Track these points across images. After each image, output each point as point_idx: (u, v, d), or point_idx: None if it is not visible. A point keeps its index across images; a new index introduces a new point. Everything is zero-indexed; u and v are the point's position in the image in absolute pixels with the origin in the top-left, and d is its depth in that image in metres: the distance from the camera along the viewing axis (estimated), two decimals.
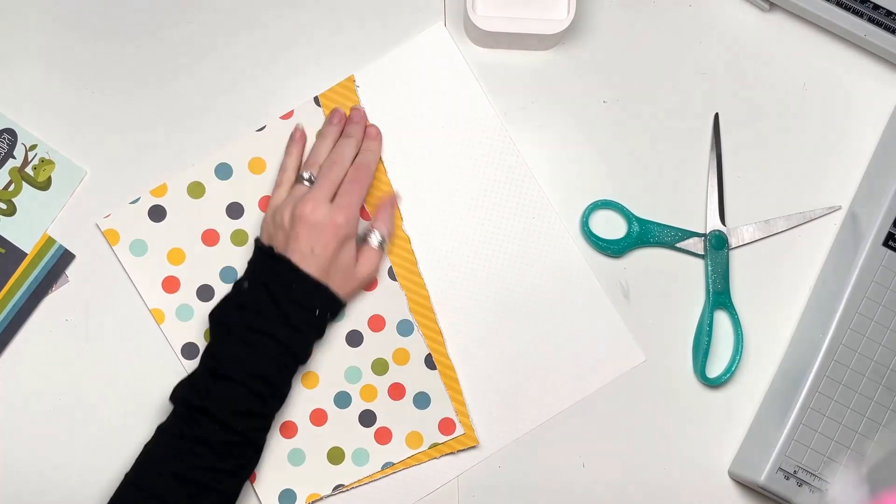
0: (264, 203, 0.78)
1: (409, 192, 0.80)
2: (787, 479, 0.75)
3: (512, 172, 0.80)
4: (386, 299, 0.78)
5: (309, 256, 0.72)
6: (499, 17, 0.78)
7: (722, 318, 0.80)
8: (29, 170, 0.77)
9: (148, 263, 0.78)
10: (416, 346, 0.78)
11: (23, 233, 0.77)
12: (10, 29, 0.79)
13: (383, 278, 0.79)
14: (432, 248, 0.79)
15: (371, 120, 0.79)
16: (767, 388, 0.80)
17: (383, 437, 0.78)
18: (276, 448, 0.77)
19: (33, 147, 0.77)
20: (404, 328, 0.78)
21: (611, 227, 0.80)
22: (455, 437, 0.78)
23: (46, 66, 0.79)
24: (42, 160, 0.77)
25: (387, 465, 0.77)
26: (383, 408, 0.78)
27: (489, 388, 0.79)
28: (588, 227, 0.79)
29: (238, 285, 0.74)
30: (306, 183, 0.75)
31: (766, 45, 0.82)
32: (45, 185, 0.77)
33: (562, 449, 0.79)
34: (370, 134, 0.78)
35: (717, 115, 0.81)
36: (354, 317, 0.78)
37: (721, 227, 0.80)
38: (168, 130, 0.79)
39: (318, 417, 0.77)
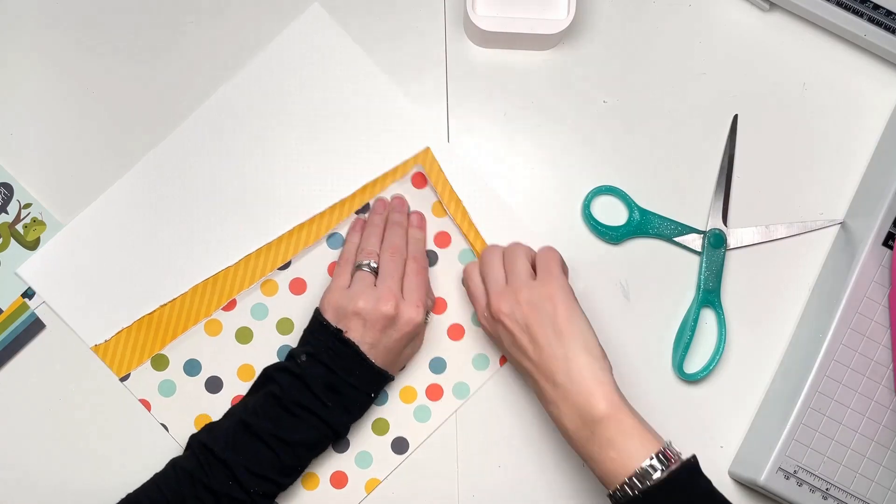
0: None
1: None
2: (787, 478, 0.75)
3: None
4: None
5: (379, 347, 0.72)
6: (499, 17, 0.78)
7: (708, 317, 0.80)
8: (20, 227, 0.76)
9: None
10: None
11: (0, 289, 0.76)
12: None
13: None
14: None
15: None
16: (767, 388, 0.80)
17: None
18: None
19: (28, 205, 0.77)
20: None
21: (612, 214, 0.80)
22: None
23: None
24: (34, 220, 0.77)
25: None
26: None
27: None
28: (589, 211, 0.80)
29: (296, 355, 0.74)
30: (367, 269, 0.74)
31: (766, 45, 0.82)
32: (32, 246, 0.76)
33: (562, 449, 0.79)
34: (414, 222, 0.79)
35: (735, 117, 0.81)
36: None
37: (721, 227, 0.80)
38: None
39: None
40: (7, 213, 0.76)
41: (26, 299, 0.76)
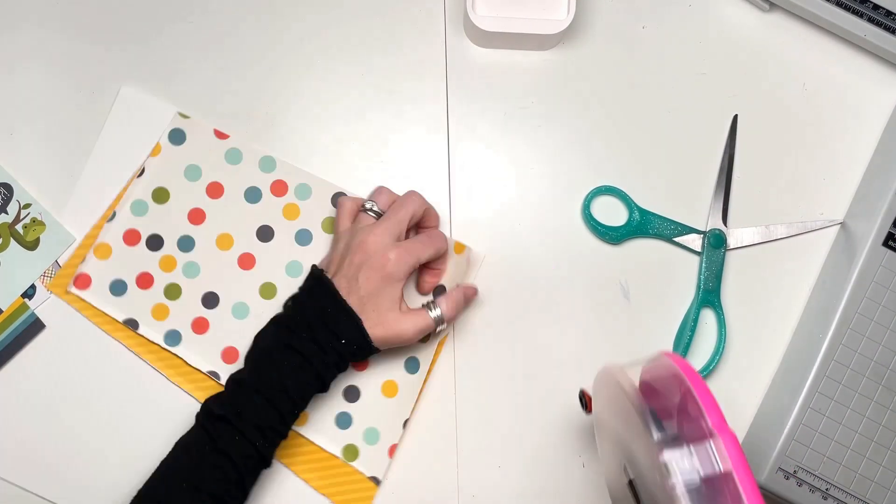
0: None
1: None
2: (787, 479, 0.75)
3: None
4: None
5: (353, 285, 0.71)
6: (499, 17, 0.78)
7: (708, 317, 0.80)
8: (19, 227, 0.76)
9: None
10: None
11: (0, 289, 0.76)
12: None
13: None
14: None
15: None
16: (767, 388, 0.80)
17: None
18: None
19: (27, 206, 0.77)
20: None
21: (612, 214, 0.80)
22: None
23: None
24: (34, 220, 0.76)
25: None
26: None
27: None
28: (589, 212, 0.80)
29: (286, 302, 0.74)
30: (371, 214, 0.74)
31: (766, 45, 0.82)
32: (32, 246, 0.76)
33: (562, 449, 0.79)
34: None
35: (735, 117, 0.81)
36: None
37: (721, 227, 0.80)
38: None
39: None
40: (7, 213, 0.77)
41: (26, 299, 0.76)
